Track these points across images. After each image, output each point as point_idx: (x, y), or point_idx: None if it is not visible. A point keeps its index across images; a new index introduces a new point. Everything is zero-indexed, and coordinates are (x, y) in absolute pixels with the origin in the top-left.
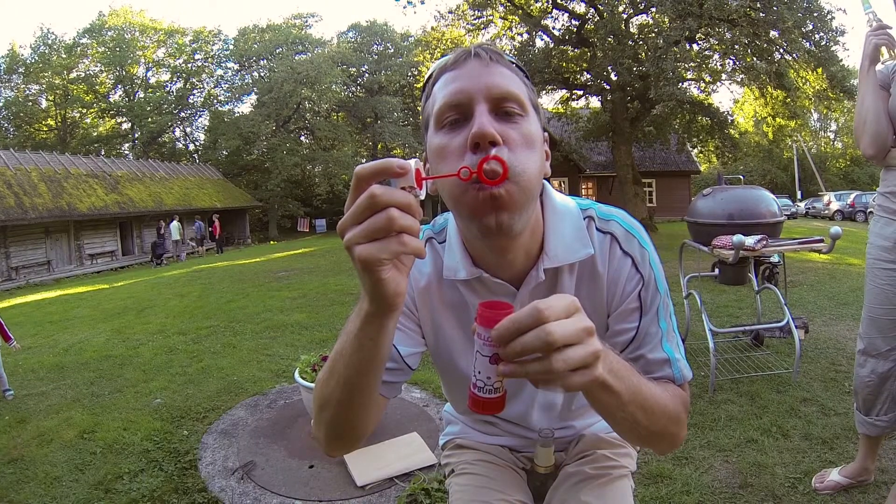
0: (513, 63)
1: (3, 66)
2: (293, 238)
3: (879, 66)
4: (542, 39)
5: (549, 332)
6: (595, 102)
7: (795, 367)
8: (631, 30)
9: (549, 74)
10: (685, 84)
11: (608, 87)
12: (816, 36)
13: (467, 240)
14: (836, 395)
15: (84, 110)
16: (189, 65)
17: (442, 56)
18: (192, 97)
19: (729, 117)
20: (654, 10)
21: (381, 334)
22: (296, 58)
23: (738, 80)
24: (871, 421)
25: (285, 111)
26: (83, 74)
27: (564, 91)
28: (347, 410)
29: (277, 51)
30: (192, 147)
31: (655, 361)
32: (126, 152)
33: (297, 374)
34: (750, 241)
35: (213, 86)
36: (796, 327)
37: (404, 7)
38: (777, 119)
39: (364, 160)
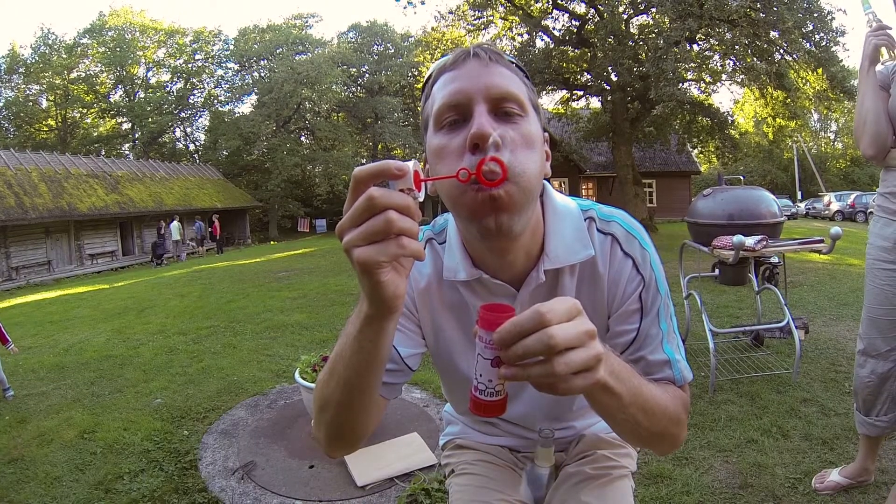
0: (512, 63)
1: (3, 66)
2: (293, 238)
3: (879, 67)
4: (542, 40)
5: (551, 336)
6: (595, 103)
7: (795, 367)
8: (631, 30)
9: (549, 75)
10: (685, 84)
11: (608, 88)
12: (816, 36)
13: (467, 241)
14: (836, 396)
15: (84, 110)
16: (189, 65)
17: (442, 56)
18: (192, 97)
19: (729, 118)
20: (654, 10)
21: (381, 336)
22: (296, 58)
23: (739, 80)
24: (871, 421)
25: (285, 111)
26: (83, 74)
27: (565, 91)
28: (347, 411)
29: (278, 51)
30: (192, 147)
31: (656, 363)
32: (126, 152)
33: (297, 375)
34: (750, 241)
35: (213, 86)
36: (796, 328)
37: (405, 7)
38: (777, 119)
39: (364, 160)
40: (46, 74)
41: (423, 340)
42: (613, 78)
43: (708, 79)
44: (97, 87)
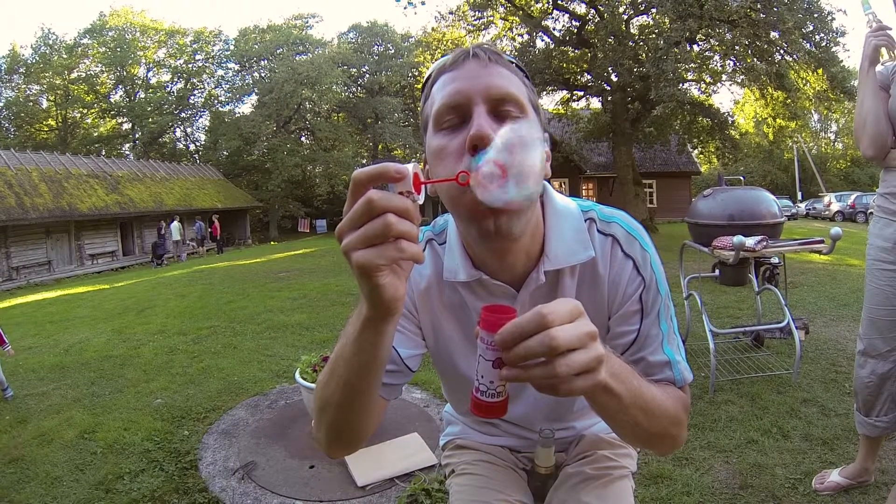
0: (512, 63)
1: (3, 66)
2: (294, 238)
3: (879, 67)
4: (542, 40)
5: (553, 337)
6: (595, 103)
7: (796, 367)
8: (631, 31)
9: (549, 75)
10: (686, 85)
11: (609, 88)
12: (817, 37)
13: (467, 241)
14: (836, 396)
15: (85, 110)
16: (190, 65)
17: (442, 57)
18: (192, 97)
19: (729, 118)
20: (654, 10)
21: (380, 338)
22: (296, 58)
23: (739, 80)
24: (871, 422)
25: (286, 112)
26: (84, 75)
27: (565, 92)
28: (348, 412)
29: (278, 51)
30: (192, 147)
31: (656, 363)
32: (127, 152)
33: (297, 375)
34: (750, 241)
35: (213, 86)
36: (797, 328)
37: (405, 8)
38: (777, 120)
39: (364, 161)
40: (47, 74)
41: (424, 341)
42: (614, 78)
43: (708, 79)
44: (97, 88)
